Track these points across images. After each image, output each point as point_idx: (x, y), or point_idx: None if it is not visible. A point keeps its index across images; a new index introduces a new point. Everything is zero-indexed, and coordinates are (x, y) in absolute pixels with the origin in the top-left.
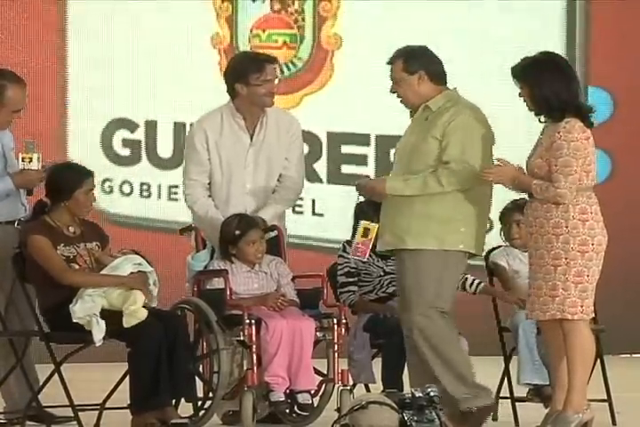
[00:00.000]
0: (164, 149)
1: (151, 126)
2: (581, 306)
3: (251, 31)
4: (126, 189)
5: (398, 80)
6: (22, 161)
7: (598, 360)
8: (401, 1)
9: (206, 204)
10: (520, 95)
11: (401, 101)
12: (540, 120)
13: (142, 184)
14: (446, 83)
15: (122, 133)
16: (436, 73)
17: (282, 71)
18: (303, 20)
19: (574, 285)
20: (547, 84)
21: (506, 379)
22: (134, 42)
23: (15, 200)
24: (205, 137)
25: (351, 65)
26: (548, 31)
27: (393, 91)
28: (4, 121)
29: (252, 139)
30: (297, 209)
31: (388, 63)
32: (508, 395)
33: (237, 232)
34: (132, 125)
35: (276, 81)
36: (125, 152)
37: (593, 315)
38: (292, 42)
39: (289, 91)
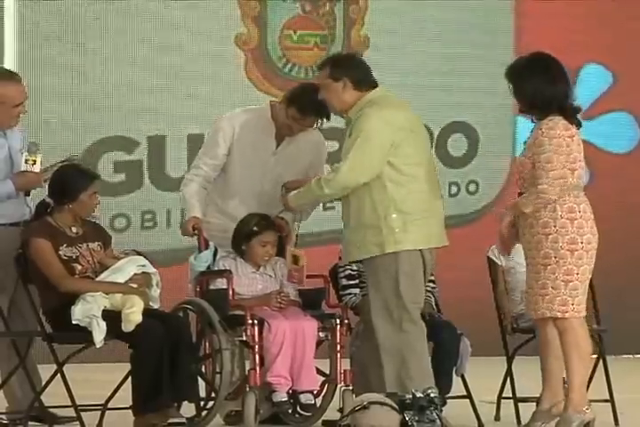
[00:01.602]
0: (175, 167)
1: (156, 143)
2: (572, 304)
3: (281, 31)
4: (120, 222)
5: (325, 86)
6: (26, 163)
7: (600, 361)
8: (428, 1)
9: (196, 189)
10: (513, 95)
11: (328, 106)
12: (532, 120)
13: (144, 213)
14: (374, 87)
15: (112, 156)
16: (361, 80)
17: (312, 73)
18: (334, 20)
19: (564, 283)
20: (530, 82)
21: (508, 379)
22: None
23: (20, 202)
24: (232, 133)
25: (380, 65)
26: None
27: (321, 97)
28: (6, 118)
29: (277, 147)
30: (328, 205)
31: (318, 69)
32: (511, 395)
33: (255, 228)
34: (129, 144)
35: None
36: (118, 178)
37: (584, 313)
38: (323, 43)
39: None
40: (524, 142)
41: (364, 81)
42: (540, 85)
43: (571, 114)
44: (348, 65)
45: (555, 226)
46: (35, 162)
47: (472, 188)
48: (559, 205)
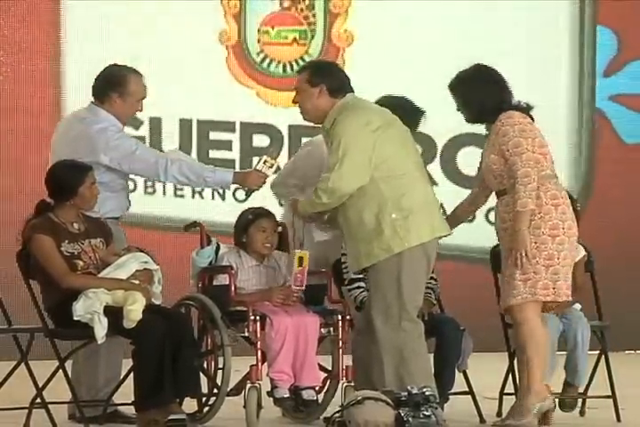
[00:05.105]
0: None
1: (155, 123)
2: (553, 288)
3: (259, 28)
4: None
5: (301, 90)
6: (264, 163)
7: (602, 357)
8: None
9: None
10: (457, 109)
11: (300, 112)
12: (486, 129)
13: (146, 180)
14: (347, 93)
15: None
16: (337, 88)
17: (291, 68)
18: (314, 16)
19: (545, 268)
20: (476, 92)
21: (510, 375)
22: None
23: (124, 196)
24: None
25: (362, 61)
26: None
27: (295, 101)
28: (130, 111)
29: None
30: None
31: (297, 73)
32: (513, 391)
33: (250, 217)
34: (136, 122)
35: None
36: None
37: (566, 298)
38: (302, 39)
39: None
40: (486, 145)
41: (341, 89)
42: (487, 95)
43: (523, 111)
44: (327, 72)
45: (540, 213)
46: (272, 166)
47: None
48: (543, 193)
